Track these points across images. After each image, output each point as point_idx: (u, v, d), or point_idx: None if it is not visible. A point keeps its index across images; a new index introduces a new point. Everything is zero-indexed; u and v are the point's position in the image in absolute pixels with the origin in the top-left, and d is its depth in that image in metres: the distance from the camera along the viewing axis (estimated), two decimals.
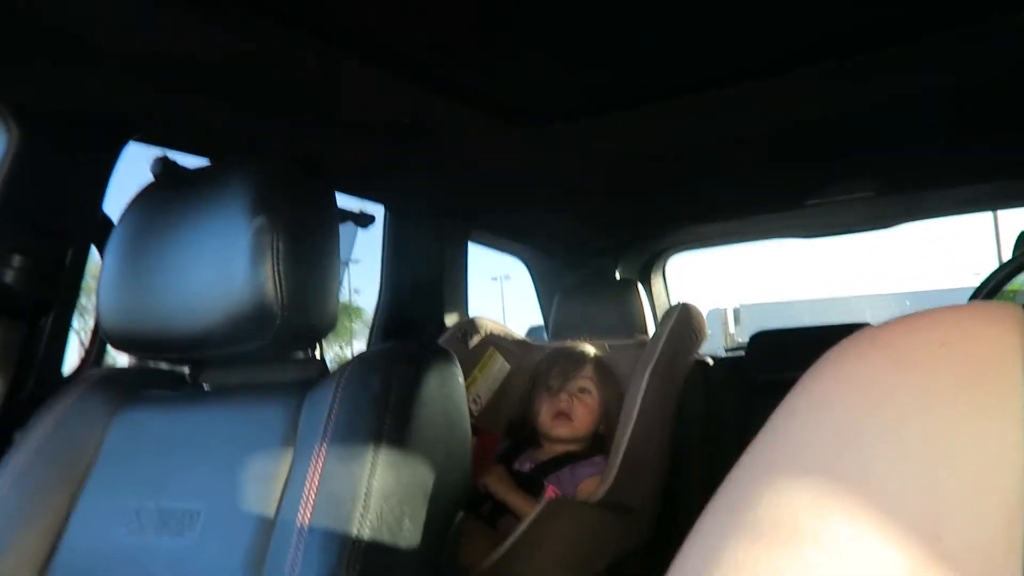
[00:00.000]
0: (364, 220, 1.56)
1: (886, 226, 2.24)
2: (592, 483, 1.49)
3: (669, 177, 1.80)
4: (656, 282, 2.61)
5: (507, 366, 1.91)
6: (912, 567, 0.21)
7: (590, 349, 1.75)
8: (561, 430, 1.61)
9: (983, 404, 0.23)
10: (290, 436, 0.82)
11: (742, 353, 1.87)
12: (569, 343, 1.82)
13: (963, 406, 0.23)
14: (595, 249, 2.41)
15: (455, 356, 0.90)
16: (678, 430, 1.63)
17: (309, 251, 0.87)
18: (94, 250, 1.15)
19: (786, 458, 0.25)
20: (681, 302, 1.71)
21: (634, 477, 1.42)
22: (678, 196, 2.00)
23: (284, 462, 0.80)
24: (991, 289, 1.25)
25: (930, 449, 0.22)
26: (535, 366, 1.78)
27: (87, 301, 1.34)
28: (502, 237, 2.21)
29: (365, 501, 0.71)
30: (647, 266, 2.56)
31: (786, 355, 1.80)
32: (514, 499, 1.46)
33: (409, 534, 0.74)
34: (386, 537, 0.71)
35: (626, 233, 2.37)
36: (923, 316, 0.26)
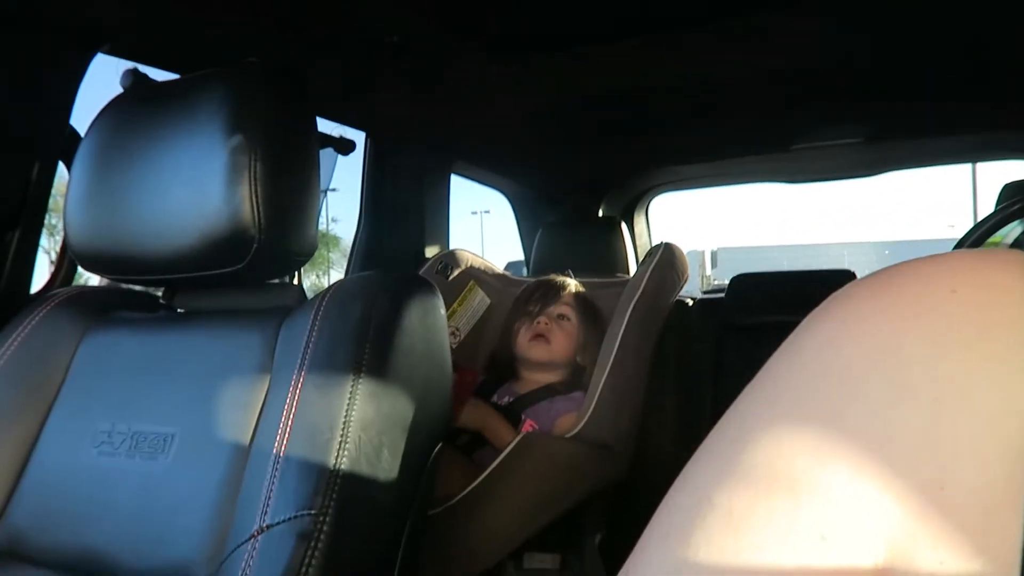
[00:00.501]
0: (345, 146, 1.51)
1: (871, 174, 2.23)
2: (570, 418, 1.50)
3: (656, 116, 1.77)
4: (639, 222, 2.59)
5: (487, 300, 1.90)
6: (911, 516, 0.21)
7: (572, 281, 1.75)
8: (538, 352, 1.61)
9: (993, 353, 0.22)
10: (266, 363, 0.80)
11: (720, 295, 1.87)
12: (553, 276, 1.81)
13: (973, 355, 0.22)
14: (578, 186, 2.38)
15: (437, 287, 0.88)
16: (656, 370, 1.63)
17: (288, 173, 0.84)
18: (62, 167, 1.10)
19: (786, 403, 0.24)
20: (664, 242, 1.69)
21: (611, 414, 1.42)
22: (664, 135, 1.97)
23: (260, 390, 0.79)
24: (975, 239, 1.24)
25: (938, 399, 0.22)
26: (516, 295, 1.78)
27: (58, 221, 1.30)
28: (485, 170, 2.17)
29: (343, 431, 0.70)
30: (630, 205, 2.53)
31: (765, 299, 1.82)
32: (494, 424, 1.47)
33: (387, 465, 0.73)
34: (364, 468, 0.70)
35: (610, 171, 2.35)
36: (931, 262, 0.25)
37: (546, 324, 1.63)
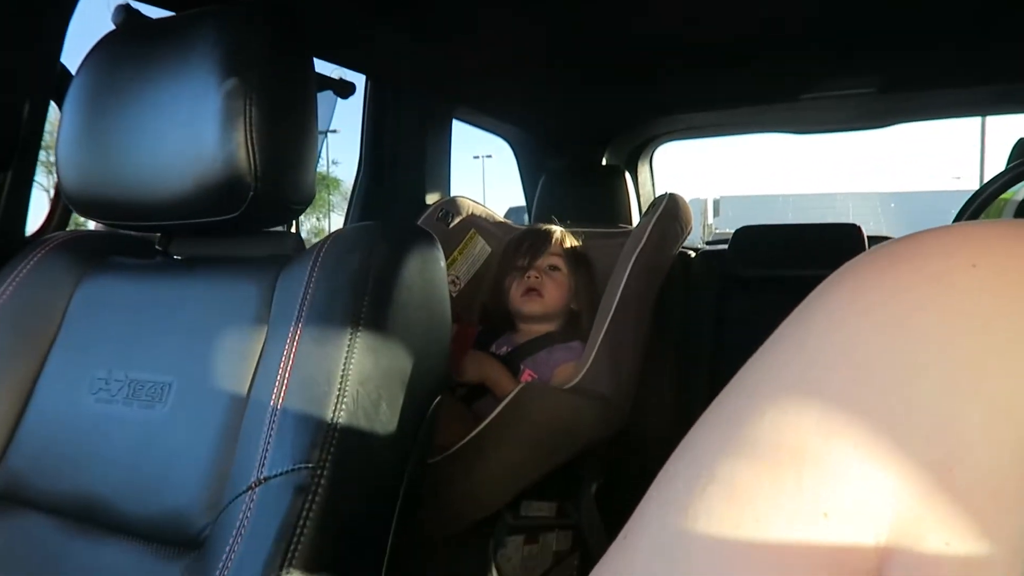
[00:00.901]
0: (344, 89, 1.47)
1: (883, 125, 2.19)
2: (569, 368, 1.50)
3: (662, 62, 1.72)
4: (642, 171, 2.56)
5: (488, 248, 1.88)
6: (918, 496, 0.20)
7: (558, 228, 1.72)
8: (532, 306, 1.61)
9: (1012, 333, 0.21)
10: (263, 314, 0.79)
11: (723, 246, 1.86)
12: (539, 225, 1.79)
13: (991, 335, 0.21)
14: (582, 134, 2.34)
15: (437, 239, 0.86)
16: (656, 321, 1.63)
17: (285, 118, 0.81)
18: (55, 107, 1.08)
19: (794, 376, 0.23)
20: (668, 192, 1.67)
21: (610, 365, 1.42)
22: (670, 83, 1.93)
23: (257, 340, 0.78)
24: (987, 197, 1.22)
25: (954, 380, 0.21)
26: (503, 247, 1.76)
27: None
28: (488, 116, 2.12)
29: (341, 384, 0.69)
30: (634, 154, 2.49)
31: (769, 252, 1.80)
32: (496, 375, 1.48)
33: (385, 419, 0.73)
34: (362, 421, 0.70)
35: (614, 118, 2.30)
36: (951, 232, 0.24)
37: (537, 278, 1.62)
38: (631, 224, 2.00)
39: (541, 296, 1.61)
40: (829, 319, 0.24)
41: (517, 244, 1.70)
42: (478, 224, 1.86)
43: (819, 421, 0.22)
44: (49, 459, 0.83)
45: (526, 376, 1.53)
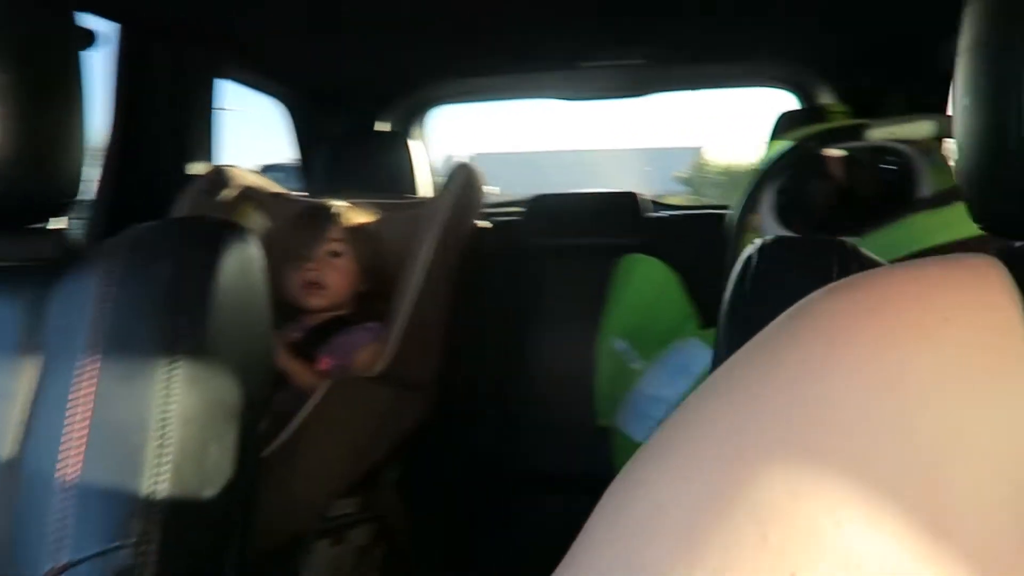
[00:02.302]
0: (82, 38, 1.22)
1: (649, 93, 2.30)
2: (369, 351, 1.41)
3: (439, 23, 1.65)
4: (418, 137, 2.47)
5: (266, 223, 1.70)
6: (908, 560, 0.19)
7: (338, 206, 1.59)
8: (315, 301, 1.47)
9: (998, 390, 0.22)
10: (30, 343, 0.61)
11: (515, 218, 1.85)
12: (317, 201, 1.65)
13: (978, 393, 0.22)
14: (357, 97, 2.19)
15: (253, 234, 0.73)
16: (456, 295, 1.58)
17: (40, 87, 0.63)
18: None
19: (764, 424, 0.22)
20: (463, 162, 1.61)
21: (417, 349, 1.35)
22: (448, 45, 1.86)
23: (23, 379, 0.60)
24: (767, 173, 1.30)
25: (942, 440, 0.21)
26: (277, 232, 1.59)
27: None
28: (257, 74, 1.91)
29: (162, 431, 0.55)
30: (410, 118, 2.40)
31: (561, 221, 1.83)
32: (294, 367, 1.34)
33: (216, 461, 0.60)
34: (191, 475, 0.56)
35: (390, 81, 2.19)
36: (908, 277, 0.24)
37: (316, 271, 1.47)
38: (415, 193, 1.93)
39: (323, 288, 1.47)
40: (803, 368, 0.23)
41: (292, 228, 1.54)
42: (252, 197, 1.67)
43: (791, 478, 0.20)
44: None
45: (324, 364, 1.41)
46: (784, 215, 1.49)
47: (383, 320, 1.47)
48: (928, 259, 0.26)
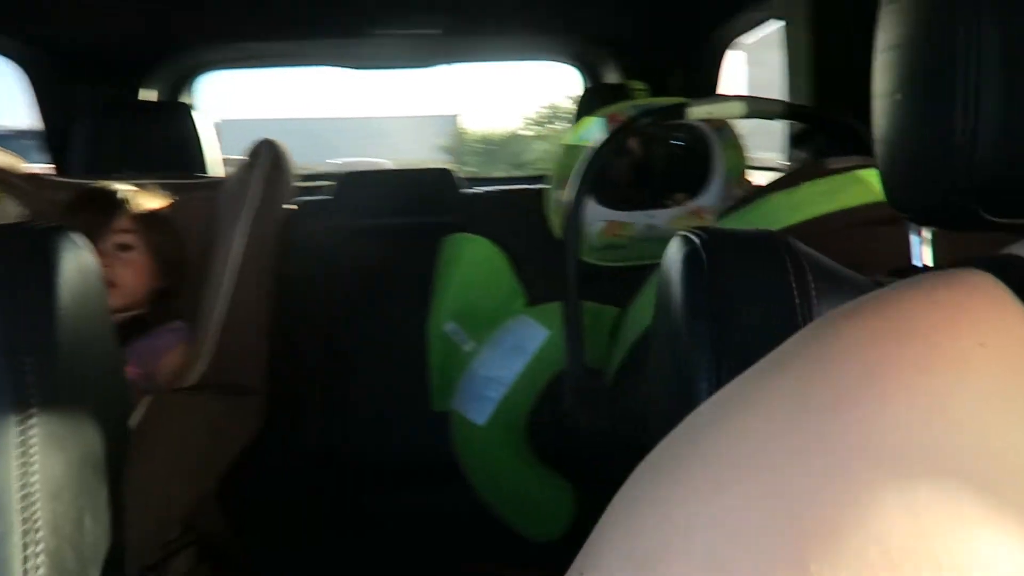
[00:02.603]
0: None
1: (444, 63, 2.25)
2: (176, 356, 1.25)
3: None
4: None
5: (18, 209, 1.42)
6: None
7: (123, 190, 1.37)
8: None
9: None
10: None
11: (327, 197, 1.72)
12: (97, 184, 1.41)
13: (1017, 414, 0.22)
14: (116, 59, 1.90)
15: (84, 238, 0.59)
16: (271, 283, 1.43)
17: None
18: None
19: (802, 460, 0.21)
20: (267, 139, 1.46)
21: (240, 350, 1.21)
22: (217, 6, 1.67)
23: None
24: (599, 154, 1.31)
25: (997, 460, 0.21)
26: (58, 220, 1.34)
27: None
28: None
29: (26, 510, 0.42)
30: (177, 86, 2.13)
31: (376, 200, 1.73)
32: None
33: (94, 541, 0.47)
34: (69, 559, 0.44)
35: (155, 43, 1.93)
36: (933, 302, 0.25)
37: (105, 267, 1.26)
38: (205, 172, 1.73)
39: (115, 286, 1.26)
40: (838, 394, 0.23)
41: (69, 218, 1.29)
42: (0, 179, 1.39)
43: (824, 516, 0.20)
44: None
45: (128, 371, 1.22)
46: (596, 191, 1.53)
47: (189, 319, 1.30)
48: (927, 278, 0.27)
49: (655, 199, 1.66)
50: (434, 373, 1.48)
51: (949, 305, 0.24)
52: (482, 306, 1.48)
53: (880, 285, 0.56)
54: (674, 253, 0.58)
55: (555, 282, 1.61)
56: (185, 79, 2.13)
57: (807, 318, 0.50)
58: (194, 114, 1.72)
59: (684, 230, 0.59)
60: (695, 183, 1.65)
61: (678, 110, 1.28)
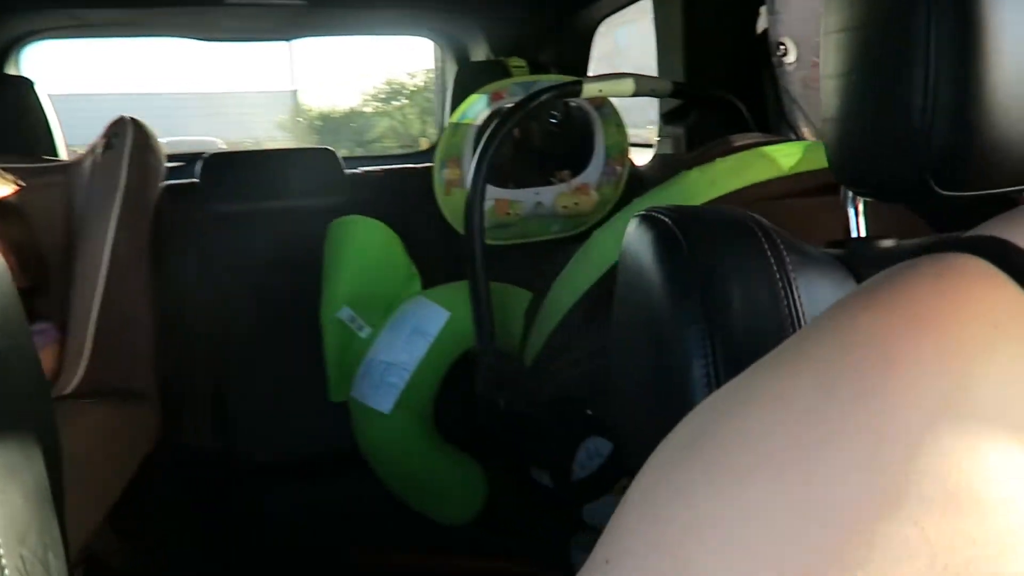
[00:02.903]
0: None
1: (303, 36, 2.14)
2: (47, 356, 1.12)
3: None
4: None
5: None
6: None
7: None
8: None
9: None
10: None
11: (193, 180, 1.59)
12: None
13: None
14: None
15: None
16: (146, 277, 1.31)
17: None
18: None
19: (847, 460, 0.22)
20: (129, 117, 1.33)
21: (122, 350, 1.10)
22: None
23: None
24: (495, 131, 1.30)
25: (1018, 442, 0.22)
26: None
27: None
28: None
29: None
30: (2, 55, 1.89)
31: (247, 182, 1.62)
32: None
33: (56, 571, 0.41)
34: None
35: None
36: (940, 291, 0.26)
37: None
38: (55, 154, 1.55)
39: None
40: (862, 389, 0.23)
41: None
42: None
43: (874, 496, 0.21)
44: None
45: None
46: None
47: (53, 319, 1.17)
48: (925, 263, 0.28)
49: (541, 177, 1.67)
50: (330, 362, 1.42)
51: (958, 293, 0.25)
52: (378, 290, 1.43)
53: (839, 261, 0.59)
54: (640, 235, 0.58)
55: (449, 262, 1.58)
56: (9, 49, 1.89)
57: (788, 292, 0.51)
58: (37, 89, 1.54)
59: (640, 211, 0.59)
60: (578, 160, 1.68)
61: (574, 88, 1.29)
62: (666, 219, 0.56)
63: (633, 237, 0.59)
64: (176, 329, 1.33)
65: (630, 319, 0.61)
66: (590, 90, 1.30)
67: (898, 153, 0.53)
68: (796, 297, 0.52)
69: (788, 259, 0.53)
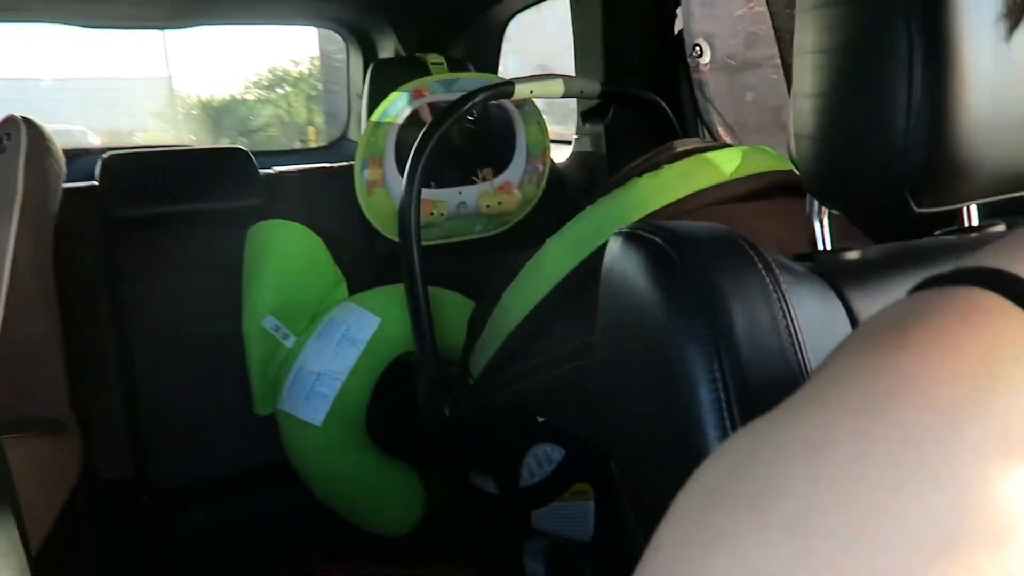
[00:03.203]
0: None
1: (196, 24, 2.01)
2: None
3: None
4: None
5: None
6: None
7: None
8: None
9: None
10: None
11: (92, 183, 1.46)
12: None
13: None
14: None
15: None
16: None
17: None
18: None
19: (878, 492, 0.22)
20: (20, 116, 1.21)
21: (33, 374, 1.01)
22: None
23: None
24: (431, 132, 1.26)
25: None
26: None
27: None
28: None
29: None
30: None
31: (154, 184, 1.51)
32: None
33: None
34: None
35: None
36: (965, 335, 0.26)
37: None
38: None
39: None
40: (909, 440, 0.23)
41: None
42: None
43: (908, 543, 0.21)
44: None
45: None
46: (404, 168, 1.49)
47: None
48: (946, 297, 0.27)
49: (462, 176, 1.65)
50: (254, 374, 1.35)
51: (987, 331, 0.25)
52: (302, 297, 1.38)
53: (816, 274, 0.61)
54: (627, 255, 0.57)
55: (375, 265, 1.54)
56: None
57: (785, 310, 0.52)
58: None
59: (625, 229, 0.59)
60: (498, 158, 1.67)
61: (507, 89, 1.28)
62: (655, 238, 0.56)
63: (618, 256, 0.58)
64: (83, 348, 1.23)
65: (619, 342, 0.60)
66: (522, 91, 1.29)
67: (879, 171, 0.55)
68: (792, 315, 0.53)
69: (781, 277, 0.54)
